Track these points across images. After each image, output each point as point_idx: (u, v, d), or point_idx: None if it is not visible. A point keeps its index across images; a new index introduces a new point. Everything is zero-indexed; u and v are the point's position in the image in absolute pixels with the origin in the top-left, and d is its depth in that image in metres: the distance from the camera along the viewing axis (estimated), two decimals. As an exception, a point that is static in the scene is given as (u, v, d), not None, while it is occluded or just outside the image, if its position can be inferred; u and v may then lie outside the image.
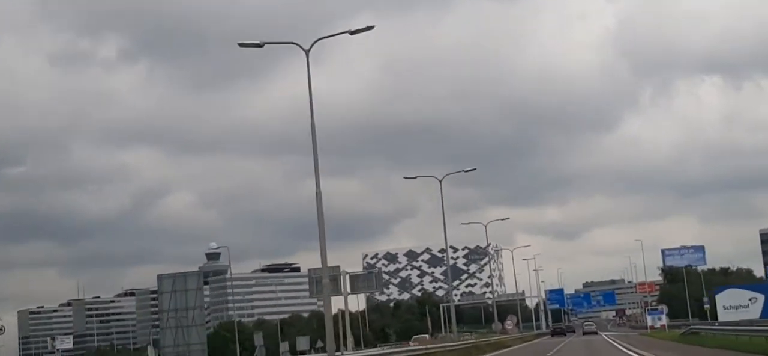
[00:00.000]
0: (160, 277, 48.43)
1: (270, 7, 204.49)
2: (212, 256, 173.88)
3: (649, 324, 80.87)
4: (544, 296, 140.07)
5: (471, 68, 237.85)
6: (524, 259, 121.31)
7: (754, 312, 65.34)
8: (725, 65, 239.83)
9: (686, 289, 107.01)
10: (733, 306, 67.87)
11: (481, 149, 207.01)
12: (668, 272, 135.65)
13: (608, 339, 59.74)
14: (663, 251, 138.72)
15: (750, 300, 68.16)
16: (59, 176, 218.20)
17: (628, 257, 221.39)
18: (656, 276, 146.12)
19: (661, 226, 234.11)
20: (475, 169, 61.99)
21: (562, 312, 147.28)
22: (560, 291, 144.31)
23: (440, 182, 52.75)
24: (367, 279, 57.86)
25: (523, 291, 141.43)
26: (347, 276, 52.53)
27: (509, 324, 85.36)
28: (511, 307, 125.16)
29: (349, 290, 51.04)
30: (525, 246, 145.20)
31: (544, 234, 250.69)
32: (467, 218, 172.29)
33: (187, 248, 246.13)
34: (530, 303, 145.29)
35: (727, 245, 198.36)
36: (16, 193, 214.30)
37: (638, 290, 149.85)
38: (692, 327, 55.69)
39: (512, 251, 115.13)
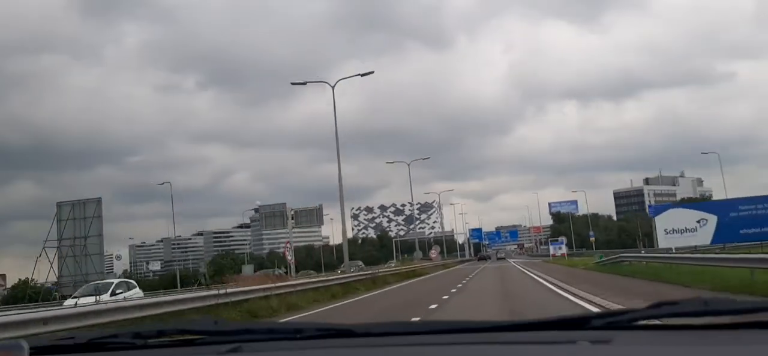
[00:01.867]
0: (58, 204, 41.19)
1: (290, 53, 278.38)
2: (257, 209, 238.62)
3: (551, 252, 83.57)
4: (467, 233, 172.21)
5: (421, 95, 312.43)
6: (461, 213, 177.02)
7: (704, 237, 51.45)
8: (579, 93, 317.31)
9: (571, 227, 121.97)
10: (678, 229, 52.59)
11: (429, 146, 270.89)
12: (557, 215, 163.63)
13: (520, 268, 51.49)
14: (550, 204, 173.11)
15: (698, 222, 52.72)
16: (162, 163, 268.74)
17: (526, 210, 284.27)
18: (546, 221, 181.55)
19: (543, 192, 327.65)
20: (428, 157, 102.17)
21: (480, 245, 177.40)
22: (479, 230, 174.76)
23: (408, 165, 75.67)
24: (308, 215, 62.96)
25: (453, 230, 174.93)
26: (292, 211, 60.66)
27: (433, 253, 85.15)
28: (442, 241, 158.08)
29: (293, 223, 60.78)
30: (457, 204, 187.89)
31: (469, 198, 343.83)
32: (423, 190, 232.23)
33: (244, 205, 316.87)
34: (459, 239, 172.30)
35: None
36: (136, 173, 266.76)
37: (533, 231, 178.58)
38: (622, 254, 40.53)
39: (453, 206, 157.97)
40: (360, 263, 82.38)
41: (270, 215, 64.55)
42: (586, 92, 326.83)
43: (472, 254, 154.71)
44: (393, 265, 67.73)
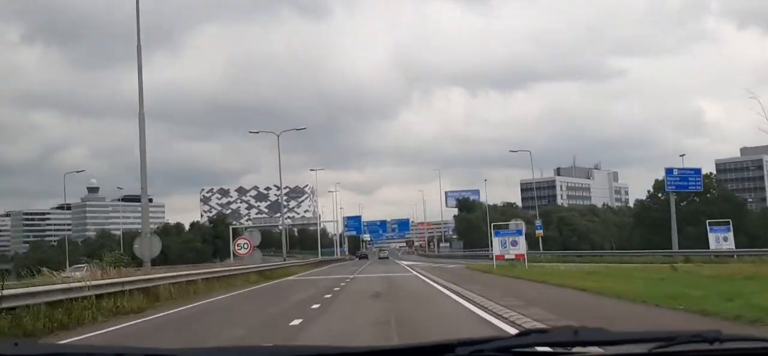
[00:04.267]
0: None
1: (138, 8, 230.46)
2: (92, 189, 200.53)
3: (497, 253, 43.25)
4: (341, 223, 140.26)
5: (296, 69, 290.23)
6: (341, 208, 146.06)
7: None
8: (466, 80, 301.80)
9: (488, 218, 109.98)
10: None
11: (301, 124, 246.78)
12: (464, 203, 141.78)
13: (431, 283, 27.97)
14: (447, 193, 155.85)
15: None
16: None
17: (413, 206, 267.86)
18: (434, 216, 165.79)
19: (426, 187, 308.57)
20: (304, 128, 74.98)
21: (360, 241, 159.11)
22: (357, 219, 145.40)
23: (278, 136, 58.36)
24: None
25: (320, 215, 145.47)
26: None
27: (243, 246, 46.66)
28: (311, 233, 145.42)
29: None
30: (335, 191, 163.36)
31: (350, 190, 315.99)
32: (298, 177, 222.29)
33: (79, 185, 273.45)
34: (331, 229, 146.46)
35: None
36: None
37: (427, 226, 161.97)
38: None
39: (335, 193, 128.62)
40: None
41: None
42: (471, 79, 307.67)
43: (347, 253, 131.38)
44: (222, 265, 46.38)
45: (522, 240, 37.61)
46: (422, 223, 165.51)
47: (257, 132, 74.54)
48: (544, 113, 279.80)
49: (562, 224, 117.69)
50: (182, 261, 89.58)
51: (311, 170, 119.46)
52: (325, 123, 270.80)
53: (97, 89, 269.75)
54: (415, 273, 38.66)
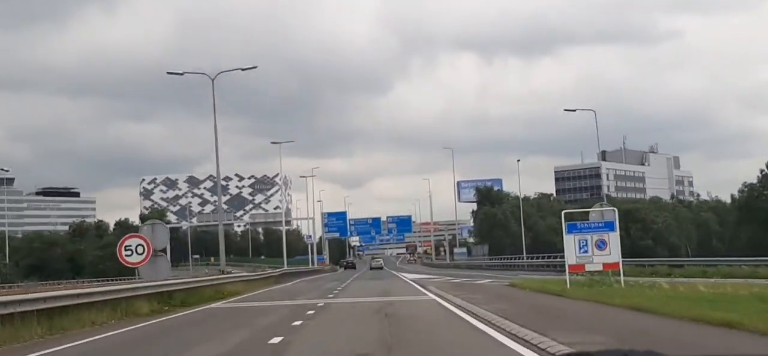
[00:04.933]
0: None
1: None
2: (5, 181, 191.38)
3: (571, 261, 52.66)
4: (321, 220, 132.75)
5: (261, 29, 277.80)
6: (318, 201, 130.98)
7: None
8: (478, 44, 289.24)
9: (521, 215, 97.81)
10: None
11: (270, 102, 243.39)
12: (482, 190, 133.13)
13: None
14: (460, 183, 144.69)
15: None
16: None
17: (417, 202, 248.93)
18: (442, 216, 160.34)
19: (431, 179, 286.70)
20: (255, 67, 62.57)
21: (346, 245, 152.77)
22: (342, 216, 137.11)
23: (213, 80, 52.25)
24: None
25: (289, 210, 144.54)
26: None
27: (135, 253, 31.95)
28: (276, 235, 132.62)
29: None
30: (308, 176, 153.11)
31: (331, 182, 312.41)
32: (263, 167, 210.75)
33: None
34: (304, 231, 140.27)
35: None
36: None
37: (435, 227, 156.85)
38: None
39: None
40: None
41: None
42: (488, 43, 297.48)
43: (327, 261, 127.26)
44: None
45: (615, 240, 28.07)
46: (427, 224, 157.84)
47: (181, 74, 55.13)
48: (577, 85, 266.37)
49: (630, 220, 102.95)
50: (92, 274, 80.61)
51: (273, 142, 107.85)
52: (301, 98, 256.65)
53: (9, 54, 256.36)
54: (431, 294, 29.67)
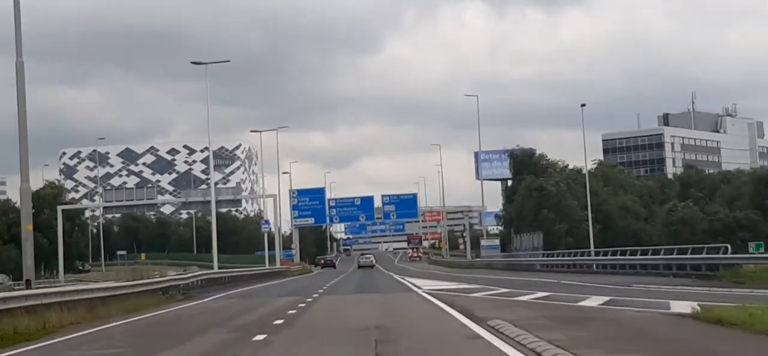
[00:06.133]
0: None
1: None
2: None
3: None
4: (289, 201, 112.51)
5: None
6: (285, 172, 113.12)
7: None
8: None
9: (587, 186, 78.77)
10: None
11: (234, 62, 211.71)
12: (518, 156, 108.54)
13: None
14: (478, 154, 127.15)
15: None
16: None
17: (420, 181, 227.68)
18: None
19: (433, 159, 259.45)
20: (228, 61, 64.69)
21: (328, 237, 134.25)
22: (318, 193, 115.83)
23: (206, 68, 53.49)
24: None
25: (248, 188, 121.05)
26: None
27: None
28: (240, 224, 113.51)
29: None
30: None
31: (312, 161, 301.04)
32: (227, 140, 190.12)
33: None
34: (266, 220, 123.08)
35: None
36: None
37: (429, 217, 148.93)
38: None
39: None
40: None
41: None
42: None
43: (296, 259, 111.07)
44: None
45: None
46: (430, 215, 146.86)
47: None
48: (610, 41, 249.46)
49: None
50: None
51: (253, 131, 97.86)
52: (270, 59, 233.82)
53: None
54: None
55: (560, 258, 67.86)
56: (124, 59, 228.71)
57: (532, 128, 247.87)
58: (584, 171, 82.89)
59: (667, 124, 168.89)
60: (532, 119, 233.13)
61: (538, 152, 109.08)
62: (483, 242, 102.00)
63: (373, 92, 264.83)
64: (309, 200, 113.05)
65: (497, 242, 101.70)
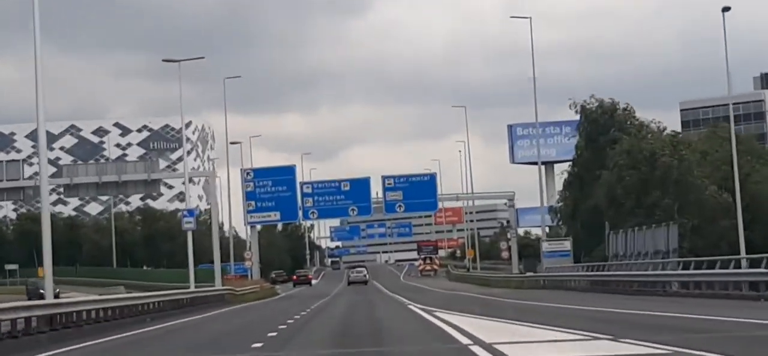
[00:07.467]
0: None
1: None
2: None
3: None
4: (242, 185, 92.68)
5: None
6: (233, 143, 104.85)
7: None
8: None
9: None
10: None
11: (185, 29, 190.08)
12: (591, 112, 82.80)
13: None
14: (511, 128, 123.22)
15: None
16: None
17: (435, 164, 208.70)
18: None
19: (437, 147, 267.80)
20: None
21: (307, 245, 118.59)
22: (288, 174, 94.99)
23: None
24: None
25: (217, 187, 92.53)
26: None
27: None
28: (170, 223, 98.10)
29: None
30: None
31: (285, 150, 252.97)
32: (175, 120, 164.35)
33: None
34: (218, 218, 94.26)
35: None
36: None
37: (446, 215, 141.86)
38: None
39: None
40: None
41: None
42: None
43: (250, 274, 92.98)
44: None
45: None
46: (448, 214, 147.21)
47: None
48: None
49: None
50: None
51: (165, 60, 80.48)
52: (230, 22, 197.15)
53: None
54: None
55: (720, 272, 42.23)
56: (48, 25, 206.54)
57: (561, 101, 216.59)
58: (729, 125, 61.46)
59: (766, 86, 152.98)
60: (563, 94, 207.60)
61: (621, 106, 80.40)
62: (545, 246, 78.12)
63: (362, 63, 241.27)
64: (272, 186, 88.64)
65: (568, 245, 74.04)
